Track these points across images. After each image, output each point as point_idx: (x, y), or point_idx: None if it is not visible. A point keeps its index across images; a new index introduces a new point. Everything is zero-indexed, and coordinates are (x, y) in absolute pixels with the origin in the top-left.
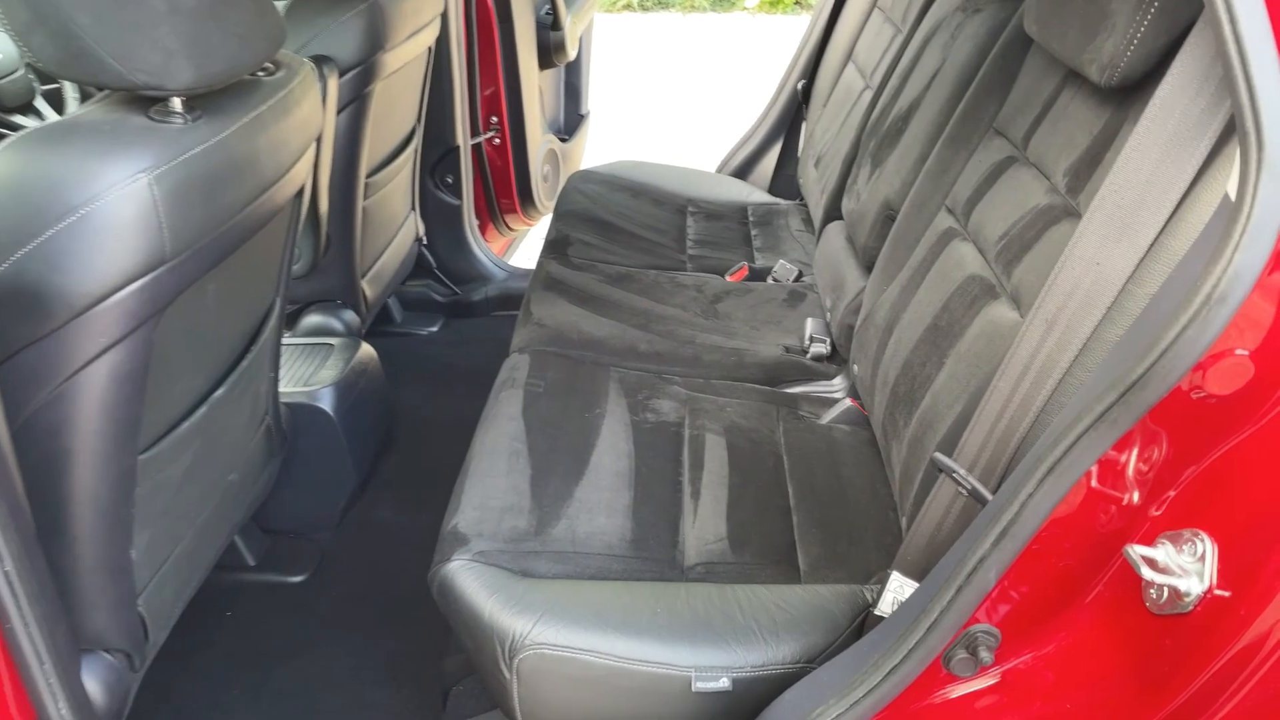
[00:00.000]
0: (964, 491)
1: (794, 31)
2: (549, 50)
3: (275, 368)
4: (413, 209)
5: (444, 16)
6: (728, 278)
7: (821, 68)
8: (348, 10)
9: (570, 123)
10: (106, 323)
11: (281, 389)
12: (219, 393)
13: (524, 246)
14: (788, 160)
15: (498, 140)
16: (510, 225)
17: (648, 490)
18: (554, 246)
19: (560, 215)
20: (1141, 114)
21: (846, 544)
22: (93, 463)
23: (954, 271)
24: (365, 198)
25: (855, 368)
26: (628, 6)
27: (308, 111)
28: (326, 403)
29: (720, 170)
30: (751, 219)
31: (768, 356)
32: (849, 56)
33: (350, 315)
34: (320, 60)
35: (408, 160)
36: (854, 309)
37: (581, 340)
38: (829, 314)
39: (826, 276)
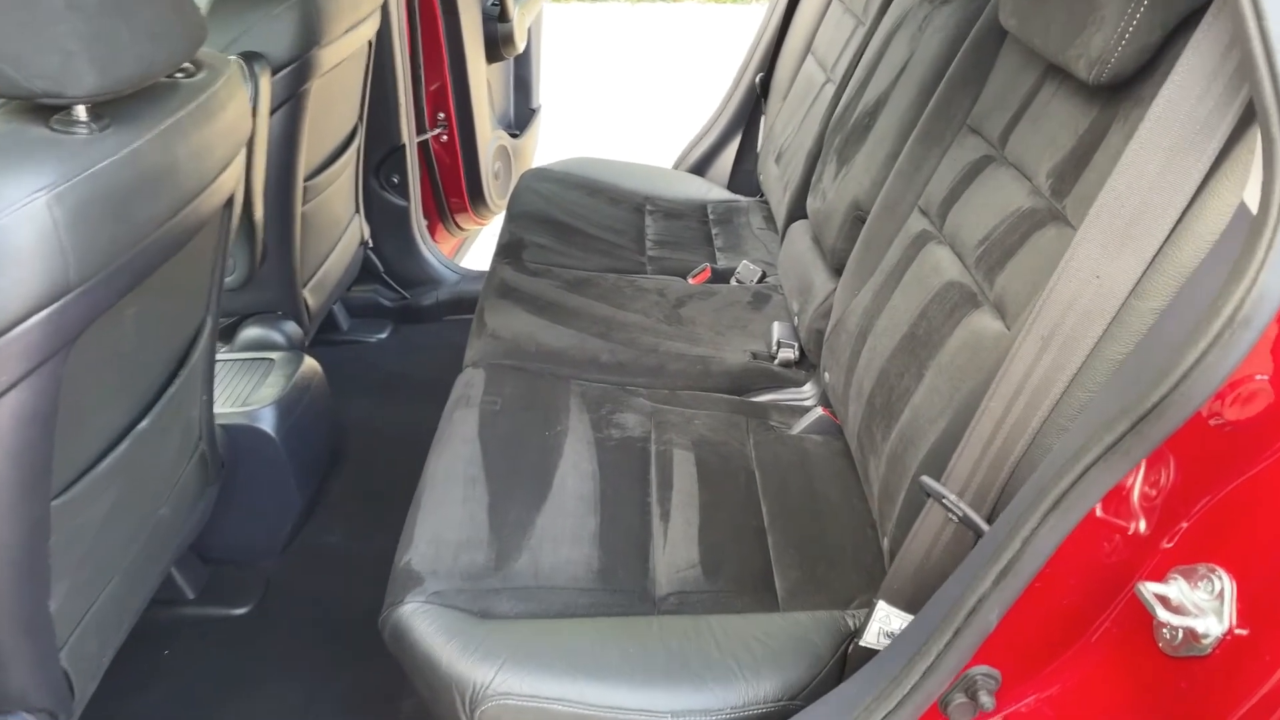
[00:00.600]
0: (954, 519)
1: (743, 22)
2: (497, 43)
3: (209, 389)
4: (357, 211)
5: (384, 9)
6: (690, 280)
7: (780, 60)
8: (279, 4)
9: (521, 118)
10: (6, 360)
11: (218, 410)
12: (143, 425)
13: (476, 246)
14: (747, 155)
15: (445, 137)
16: (461, 225)
17: (615, 514)
18: (507, 250)
19: (513, 216)
20: (1131, 112)
21: (825, 565)
22: None
23: (930, 277)
24: (304, 202)
25: (827, 375)
26: None
27: (234, 115)
28: (267, 423)
29: (677, 166)
30: (712, 217)
31: (734, 364)
32: (808, 48)
33: (292, 327)
34: (250, 58)
35: (350, 160)
36: (823, 313)
37: (539, 352)
38: (796, 318)
39: (793, 278)
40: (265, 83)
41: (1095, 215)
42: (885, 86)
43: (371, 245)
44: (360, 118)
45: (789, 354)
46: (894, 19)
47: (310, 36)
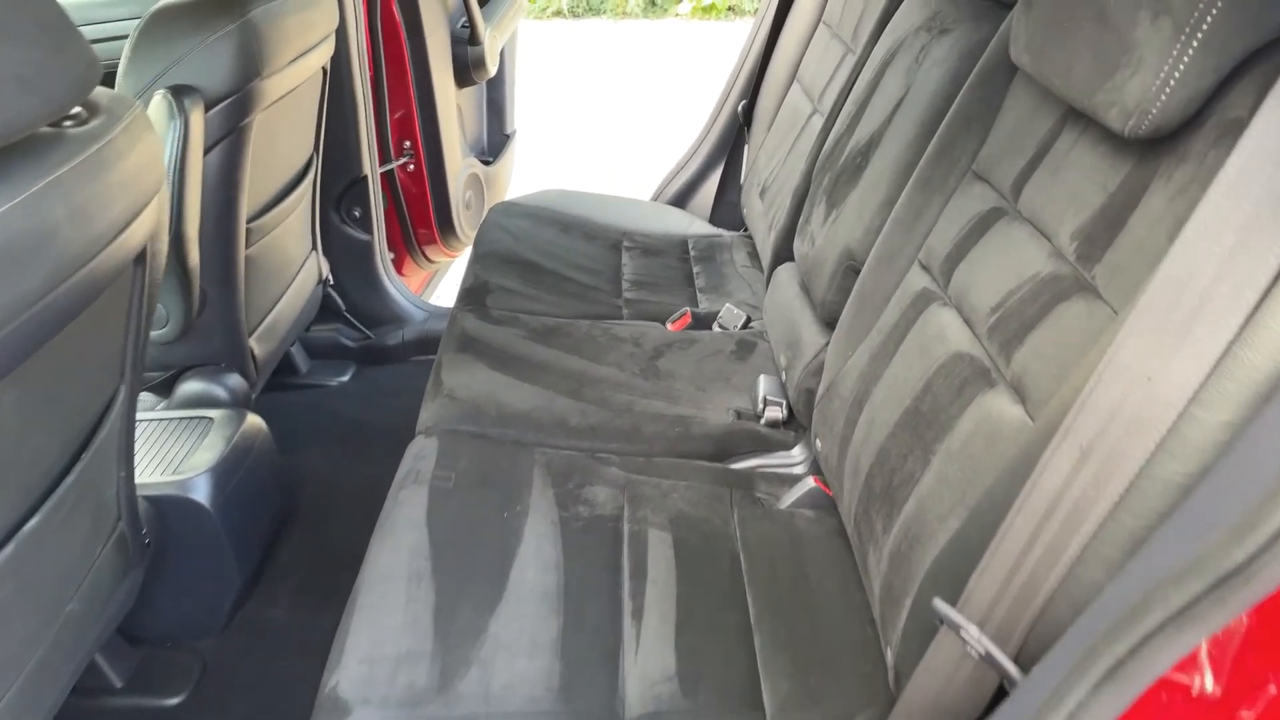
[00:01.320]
0: (975, 656)
1: (728, 39)
2: (467, 67)
3: (127, 464)
4: (314, 248)
5: (341, 34)
6: (669, 326)
7: (763, 87)
8: (214, 31)
9: (494, 143)
10: None
11: (146, 479)
12: (32, 523)
13: (448, 279)
14: (729, 187)
15: (412, 166)
16: (430, 257)
17: (580, 614)
18: (471, 295)
19: (479, 256)
20: (1175, 170)
21: (820, 672)
22: None
23: (935, 345)
24: (248, 245)
25: (818, 443)
26: (558, 13)
27: (139, 163)
28: (201, 493)
29: (657, 198)
30: (693, 253)
31: (717, 424)
32: (793, 75)
33: (236, 380)
34: (180, 92)
35: (304, 195)
36: (813, 371)
37: (501, 415)
38: (784, 373)
39: (779, 328)
40: (197, 119)
41: (1145, 305)
42: (879, 124)
43: (332, 283)
44: (316, 149)
45: (776, 413)
46: (887, 48)
47: (250, 67)
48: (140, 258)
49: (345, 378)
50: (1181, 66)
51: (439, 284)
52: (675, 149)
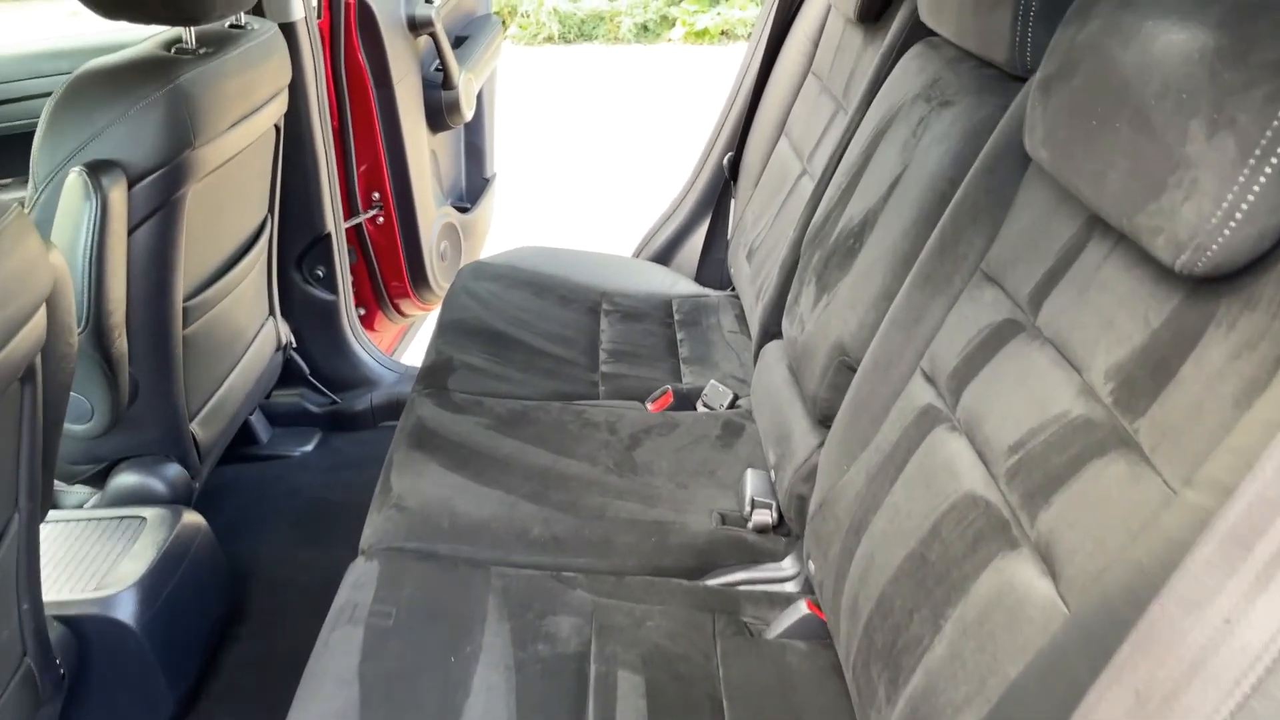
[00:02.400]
0: None
1: (721, 64)
2: (441, 112)
3: (31, 595)
4: (272, 314)
5: (297, 87)
6: (649, 406)
7: (749, 139)
8: (137, 100)
9: (474, 188)
10: None
11: (64, 597)
12: None
13: (426, 330)
14: (716, 243)
15: (381, 219)
16: (403, 311)
17: None
18: (432, 376)
19: (443, 328)
20: (1240, 317)
21: None
22: None
23: (943, 478)
24: (187, 324)
25: (811, 565)
26: (549, 39)
27: (14, 273)
28: (125, 611)
29: (639, 253)
30: (677, 316)
31: (699, 531)
32: (782, 128)
33: (175, 471)
34: (98, 169)
35: (258, 259)
36: (805, 476)
37: (455, 528)
38: (774, 471)
39: (768, 416)
40: (118, 197)
41: (1222, 528)
42: (873, 202)
43: (295, 346)
44: (271, 210)
45: (765, 517)
46: (882, 114)
47: (181, 137)
48: (29, 374)
49: (309, 447)
50: (1251, 197)
51: (414, 337)
52: (664, 186)
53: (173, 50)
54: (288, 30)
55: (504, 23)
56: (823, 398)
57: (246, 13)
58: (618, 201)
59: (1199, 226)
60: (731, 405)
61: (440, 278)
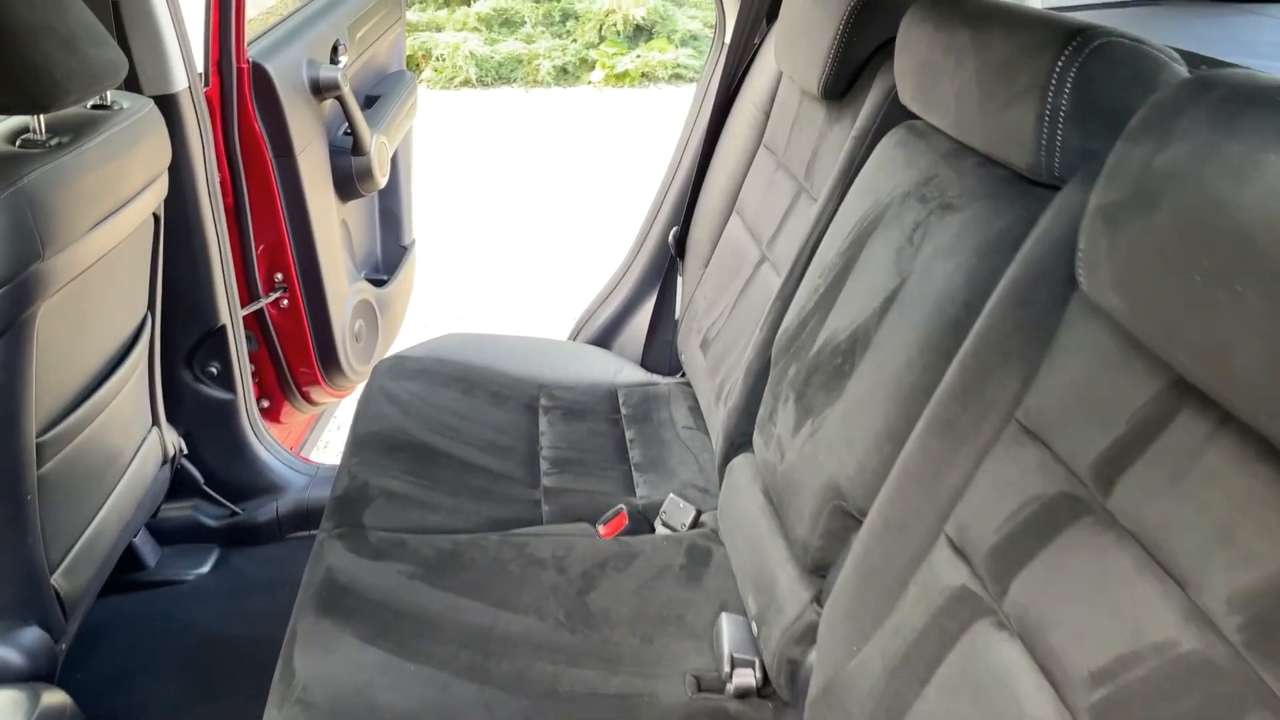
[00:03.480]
0: None
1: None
2: (352, 179)
3: None
4: (155, 424)
5: (180, 168)
6: (600, 530)
7: (697, 213)
8: None
9: (391, 257)
10: None
11: None
12: None
13: (340, 418)
14: (662, 324)
15: (286, 301)
16: (313, 400)
17: None
18: (343, 511)
19: (357, 444)
20: None
21: None
22: None
23: (997, 697)
24: (43, 463)
25: None
26: (466, 82)
27: None
28: None
29: (577, 335)
30: (625, 411)
31: (671, 705)
32: (733, 204)
33: (33, 637)
34: None
35: (135, 367)
36: (797, 637)
37: None
38: (754, 625)
39: (743, 550)
40: None
41: None
42: (864, 317)
43: (186, 452)
44: (151, 308)
45: (748, 678)
46: (864, 210)
47: (26, 250)
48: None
49: (205, 569)
50: None
51: (326, 425)
52: (598, 246)
53: (17, 143)
54: (167, 104)
55: (419, 66)
56: (815, 546)
57: (117, 88)
58: (548, 263)
59: None
60: (694, 524)
61: (355, 361)
